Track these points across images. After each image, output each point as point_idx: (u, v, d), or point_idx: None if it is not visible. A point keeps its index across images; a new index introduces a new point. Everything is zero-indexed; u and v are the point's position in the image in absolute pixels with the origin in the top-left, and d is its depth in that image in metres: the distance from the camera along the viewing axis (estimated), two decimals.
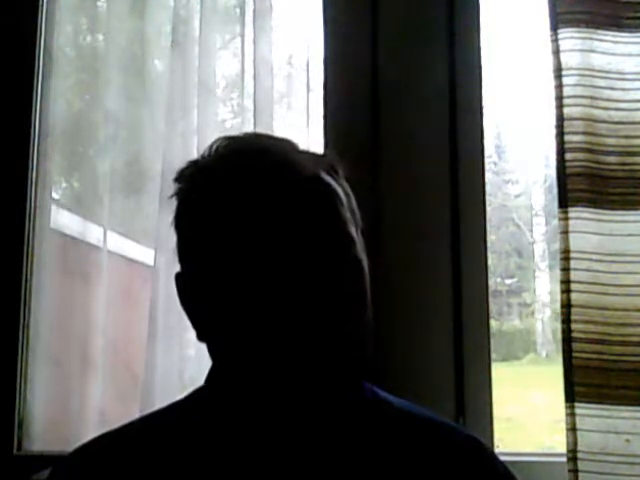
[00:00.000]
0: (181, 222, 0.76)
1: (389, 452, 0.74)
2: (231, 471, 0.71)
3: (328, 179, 0.72)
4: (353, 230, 0.72)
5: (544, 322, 1.86)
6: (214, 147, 0.75)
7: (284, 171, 0.70)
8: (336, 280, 0.68)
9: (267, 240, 0.67)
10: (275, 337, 0.67)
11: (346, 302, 0.68)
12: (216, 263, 0.69)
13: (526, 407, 1.78)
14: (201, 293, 0.72)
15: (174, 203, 0.78)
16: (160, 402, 1.17)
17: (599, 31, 1.15)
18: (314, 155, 0.77)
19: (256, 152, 0.73)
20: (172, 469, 0.72)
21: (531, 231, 1.85)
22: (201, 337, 0.74)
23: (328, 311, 0.67)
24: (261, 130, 1.25)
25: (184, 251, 0.75)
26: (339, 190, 0.72)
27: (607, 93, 1.14)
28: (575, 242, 1.10)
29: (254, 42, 1.30)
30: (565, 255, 1.10)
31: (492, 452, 0.81)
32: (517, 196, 1.94)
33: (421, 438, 0.77)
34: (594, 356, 1.07)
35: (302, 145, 0.78)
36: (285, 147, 0.75)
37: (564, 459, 1.07)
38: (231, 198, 0.70)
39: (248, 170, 0.70)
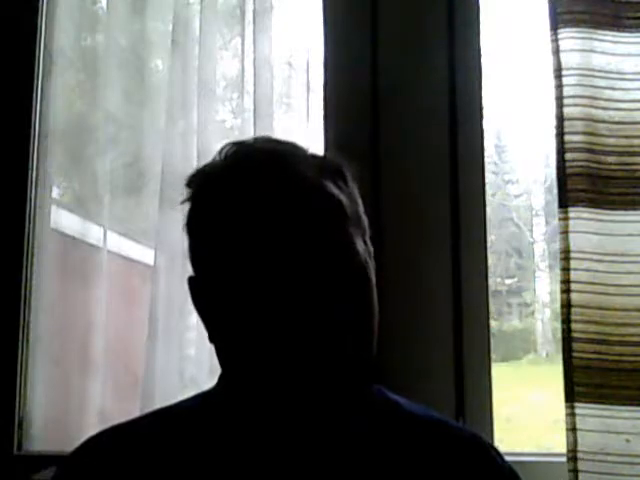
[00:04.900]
0: (190, 227, 0.76)
1: (398, 452, 0.74)
2: (241, 472, 0.71)
3: (331, 188, 0.72)
4: (357, 239, 0.72)
5: (544, 322, 1.86)
6: (223, 153, 0.76)
7: (286, 182, 0.71)
8: (335, 289, 0.68)
9: (267, 250, 0.68)
10: (280, 342, 0.67)
11: (348, 309, 0.69)
12: (220, 269, 0.71)
13: (526, 407, 1.78)
14: (209, 297, 0.74)
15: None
16: (160, 402, 1.17)
17: (599, 31, 1.15)
18: (321, 161, 0.77)
19: (261, 161, 0.73)
20: (181, 467, 0.72)
21: (531, 231, 1.85)
22: (211, 339, 0.75)
23: (330, 318, 0.68)
24: (261, 130, 1.26)
25: (193, 255, 0.76)
26: (343, 199, 0.72)
27: (607, 93, 1.14)
28: (575, 242, 1.10)
29: (254, 42, 1.30)
30: (565, 255, 1.10)
31: (499, 454, 0.81)
32: (517, 196, 1.94)
33: (430, 439, 0.77)
34: (594, 356, 1.07)
35: (303, 145, 0.79)
36: (292, 154, 0.76)
37: (564, 459, 1.07)
38: (234, 208, 0.71)
39: (252, 180, 0.71)
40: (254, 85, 1.29)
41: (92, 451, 0.76)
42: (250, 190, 0.71)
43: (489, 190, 1.27)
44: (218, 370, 0.78)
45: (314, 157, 0.77)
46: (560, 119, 1.13)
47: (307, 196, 0.70)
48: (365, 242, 0.75)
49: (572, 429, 1.06)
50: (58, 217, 1.36)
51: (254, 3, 1.32)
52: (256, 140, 0.80)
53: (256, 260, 0.68)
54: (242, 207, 0.70)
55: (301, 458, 0.71)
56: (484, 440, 0.81)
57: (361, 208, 0.77)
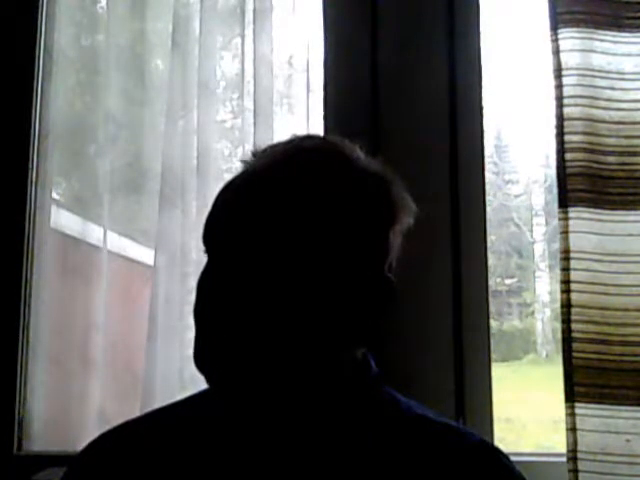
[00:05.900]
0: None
1: (405, 456, 0.73)
2: (242, 473, 0.71)
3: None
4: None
5: (544, 322, 1.85)
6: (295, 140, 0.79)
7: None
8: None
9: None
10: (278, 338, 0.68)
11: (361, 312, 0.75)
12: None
13: (526, 407, 1.77)
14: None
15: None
16: (160, 401, 1.17)
17: (599, 31, 1.15)
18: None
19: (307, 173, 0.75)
20: (189, 466, 0.72)
21: (531, 231, 1.85)
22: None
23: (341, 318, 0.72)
24: (261, 130, 1.26)
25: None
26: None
27: (607, 93, 1.14)
28: (575, 242, 1.10)
29: (254, 42, 1.30)
30: (565, 255, 1.10)
31: (510, 461, 0.80)
32: (517, 196, 1.94)
33: (438, 443, 0.76)
34: (594, 356, 1.07)
35: None
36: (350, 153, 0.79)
37: (564, 459, 1.07)
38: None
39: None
40: (254, 85, 1.29)
41: (101, 451, 0.76)
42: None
43: (489, 190, 1.27)
44: None
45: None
46: (560, 119, 1.13)
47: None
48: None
49: (572, 429, 1.06)
50: (58, 217, 1.37)
51: (254, 3, 1.32)
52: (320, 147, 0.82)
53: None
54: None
55: (301, 460, 0.71)
56: (495, 446, 0.81)
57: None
